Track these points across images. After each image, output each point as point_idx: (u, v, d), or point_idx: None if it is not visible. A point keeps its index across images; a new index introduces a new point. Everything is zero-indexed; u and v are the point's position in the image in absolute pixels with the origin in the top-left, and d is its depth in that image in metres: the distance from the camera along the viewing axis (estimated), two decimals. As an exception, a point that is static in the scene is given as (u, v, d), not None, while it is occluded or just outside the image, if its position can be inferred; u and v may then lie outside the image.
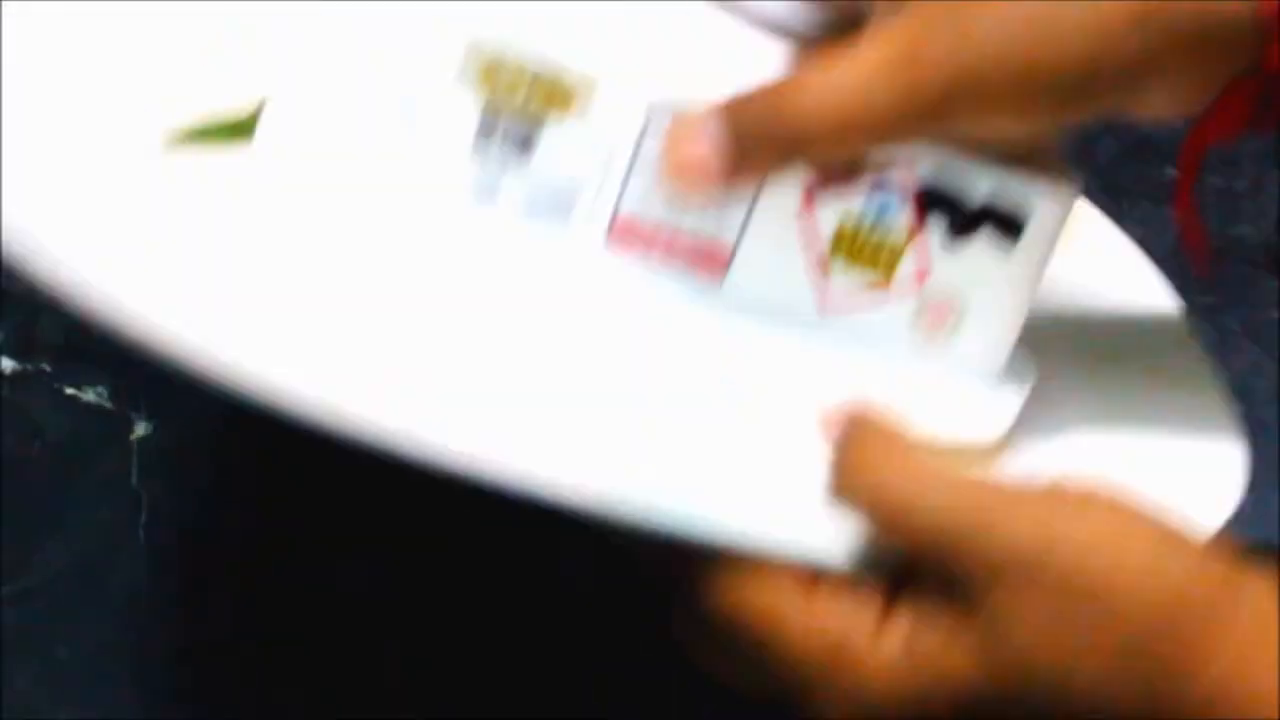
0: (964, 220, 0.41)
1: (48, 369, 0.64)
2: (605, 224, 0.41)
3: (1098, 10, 0.36)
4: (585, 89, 0.38)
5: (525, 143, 0.40)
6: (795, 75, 0.38)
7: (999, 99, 0.37)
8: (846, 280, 0.42)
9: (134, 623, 0.56)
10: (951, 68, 0.36)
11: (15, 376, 0.64)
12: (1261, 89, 0.37)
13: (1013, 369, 0.44)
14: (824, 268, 0.41)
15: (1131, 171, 0.70)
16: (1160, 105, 0.38)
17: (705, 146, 0.37)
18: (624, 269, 0.41)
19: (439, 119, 0.39)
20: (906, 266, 0.41)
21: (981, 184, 0.40)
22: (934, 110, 0.37)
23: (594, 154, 0.40)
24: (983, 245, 0.41)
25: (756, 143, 0.37)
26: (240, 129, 0.41)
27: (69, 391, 0.64)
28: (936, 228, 0.41)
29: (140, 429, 0.61)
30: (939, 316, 0.42)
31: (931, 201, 0.41)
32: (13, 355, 0.65)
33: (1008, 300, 0.42)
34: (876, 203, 0.40)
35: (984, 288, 0.42)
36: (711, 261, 0.41)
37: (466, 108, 0.39)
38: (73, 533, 0.58)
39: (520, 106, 0.39)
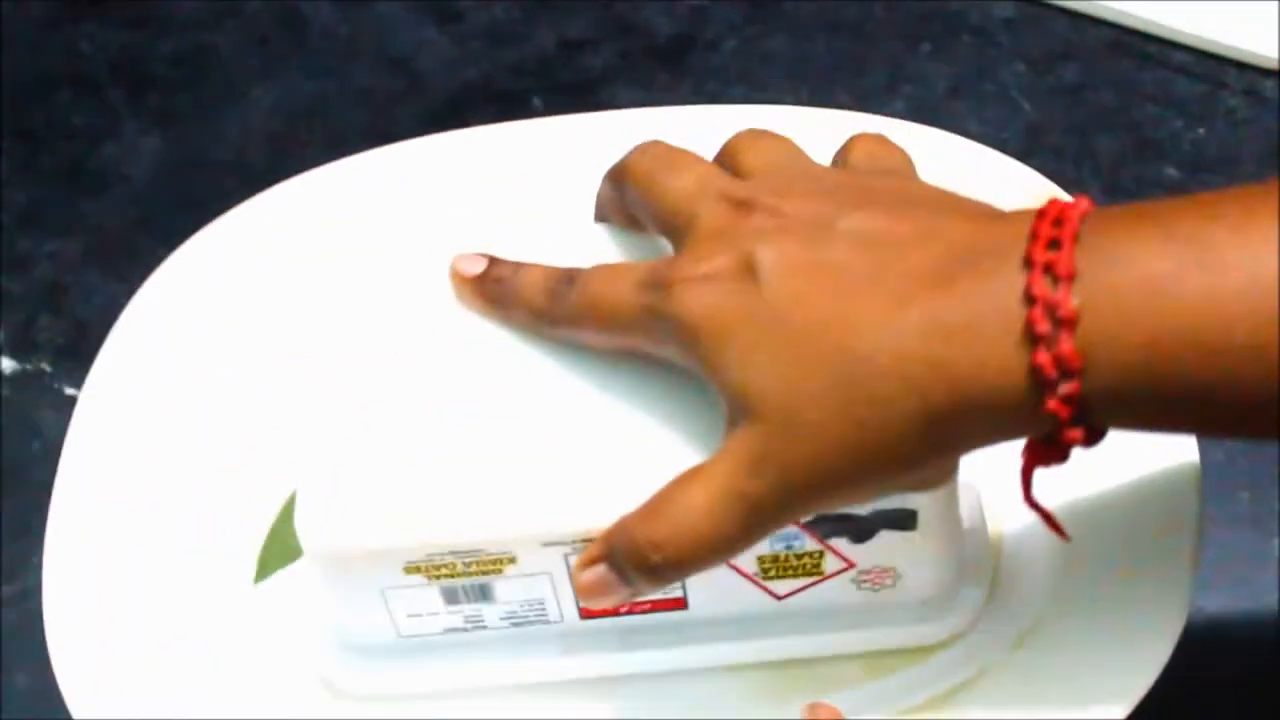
0: (860, 529, 0.46)
1: (48, 369, 0.65)
2: (575, 611, 0.48)
3: (893, 440, 0.40)
4: (506, 555, 0.46)
5: (485, 592, 0.47)
6: (658, 503, 0.42)
7: (829, 504, 0.42)
8: (787, 583, 0.47)
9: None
10: (781, 494, 0.41)
11: (15, 376, 0.64)
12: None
13: (968, 569, 0.49)
14: (762, 583, 0.47)
15: (1131, 171, 0.71)
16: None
17: (597, 574, 0.43)
18: (603, 632, 0.49)
19: (411, 603, 0.47)
20: (831, 563, 0.47)
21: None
22: (775, 522, 0.42)
23: (541, 582, 0.47)
24: (887, 535, 0.46)
25: (632, 570, 0.42)
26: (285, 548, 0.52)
27: (69, 391, 0.64)
28: (840, 540, 0.46)
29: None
30: (879, 578, 0.47)
31: (826, 527, 0.45)
32: (13, 355, 0.65)
33: (935, 551, 0.47)
34: (782, 541, 0.46)
35: (906, 555, 0.47)
36: (671, 604, 0.48)
37: (427, 589, 0.47)
38: (73, 533, 0.58)
39: (465, 576, 0.46)
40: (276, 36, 0.77)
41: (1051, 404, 0.38)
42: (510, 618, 0.48)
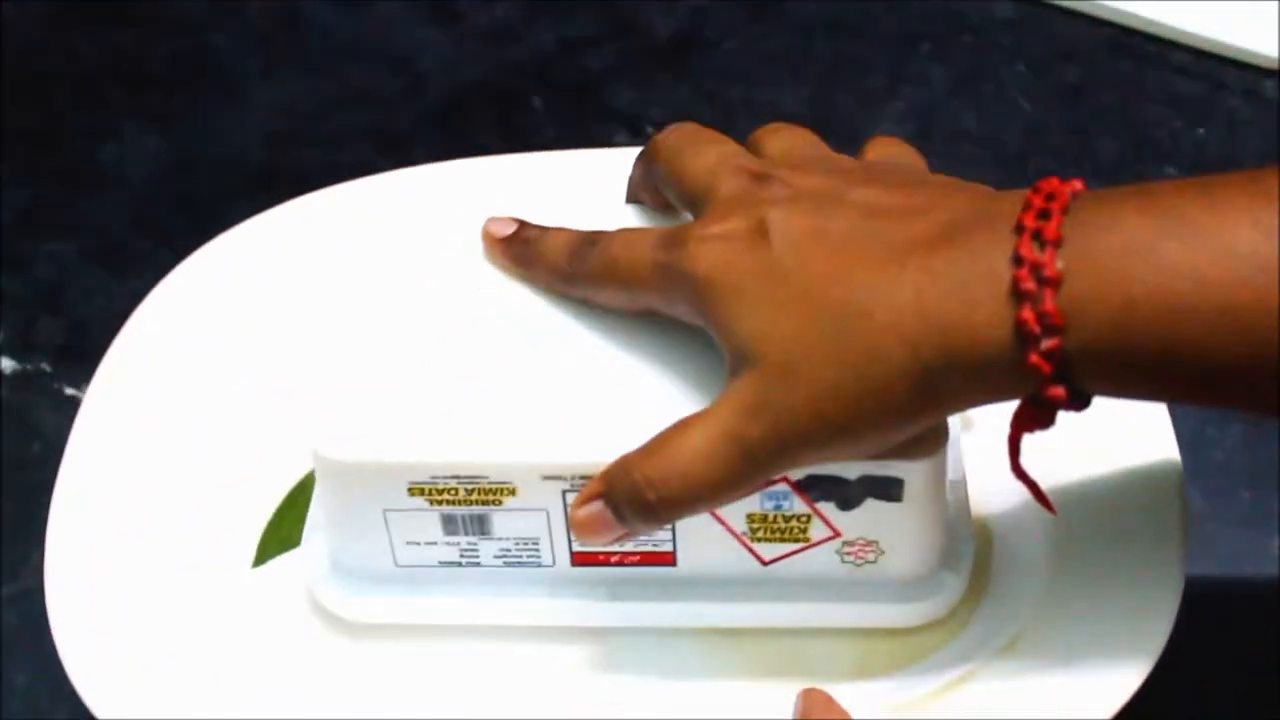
0: (848, 495, 0.47)
1: (48, 369, 0.65)
2: (567, 556, 0.49)
3: (885, 390, 0.41)
4: (506, 485, 0.47)
5: (483, 524, 0.49)
6: (657, 443, 0.44)
7: (821, 454, 0.44)
8: (773, 547, 0.49)
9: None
10: (775, 440, 0.43)
11: (15, 376, 0.64)
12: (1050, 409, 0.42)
13: (950, 555, 0.50)
14: (749, 545, 0.49)
15: (1131, 171, 0.71)
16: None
17: (593, 510, 0.45)
18: (592, 581, 0.50)
19: (411, 528, 0.49)
20: (817, 529, 0.48)
21: (852, 467, 0.46)
22: (768, 468, 0.44)
23: (537, 519, 0.48)
24: (873, 504, 0.47)
25: (627, 507, 0.44)
26: (287, 535, 0.53)
27: (69, 391, 0.64)
28: (827, 504, 0.47)
29: (140, 429, 0.62)
30: (862, 551, 0.49)
31: (815, 490, 0.47)
32: (13, 355, 0.65)
33: (919, 528, 0.48)
34: (771, 500, 0.47)
35: (891, 528, 0.48)
36: (660, 558, 0.49)
37: (427, 514, 0.48)
38: (73, 533, 0.58)
39: (465, 504, 0.48)
40: (276, 36, 0.77)
41: (1034, 358, 0.40)
42: (504, 556, 0.49)
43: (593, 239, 0.49)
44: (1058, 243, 0.40)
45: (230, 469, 0.56)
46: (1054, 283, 0.39)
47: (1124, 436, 0.53)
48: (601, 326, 0.49)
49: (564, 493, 0.47)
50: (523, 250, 0.50)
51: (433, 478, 0.47)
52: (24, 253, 0.69)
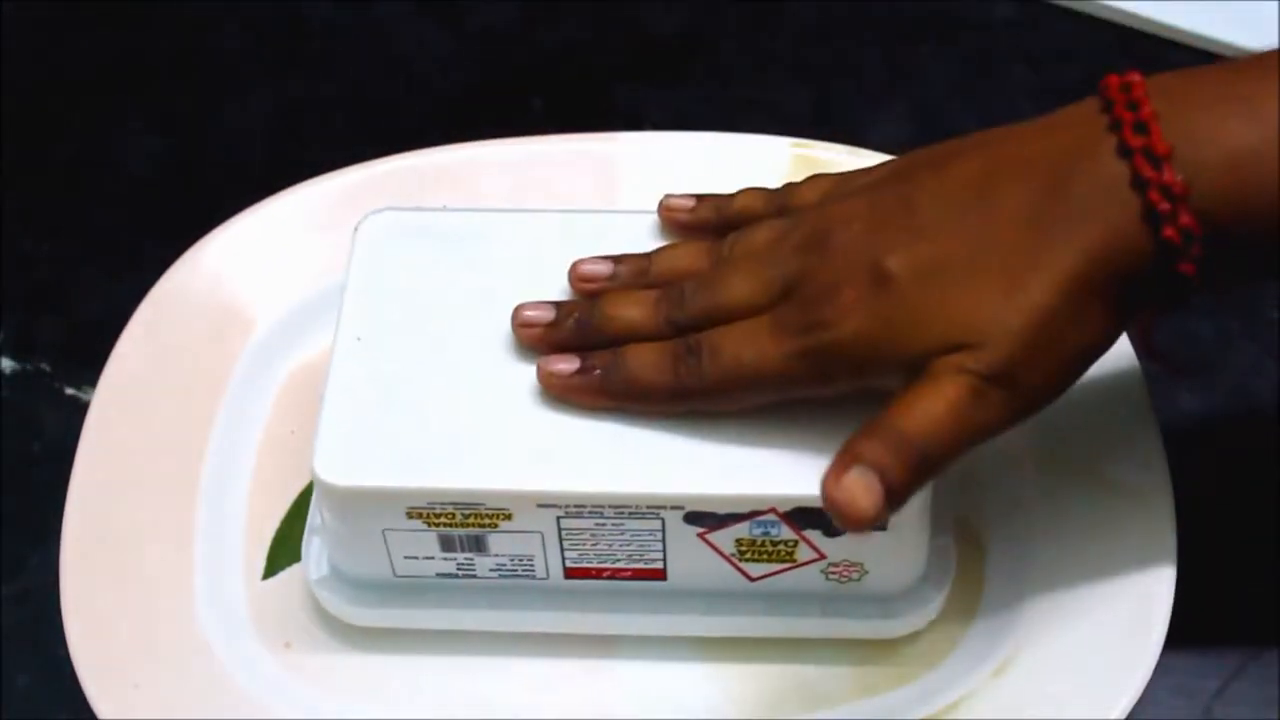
0: (834, 524, 0.47)
1: (48, 369, 0.65)
2: (561, 570, 0.50)
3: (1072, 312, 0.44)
4: (502, 510, 0.48)
5: (479, 543, 0.49)
6: (903, 406, 0.44)
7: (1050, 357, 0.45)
8: (760, 566, 0.50)
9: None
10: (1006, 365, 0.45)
11: (15, 376, 0.64)
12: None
13: (932, 573, 0.51)
14: (738, 565, 0.50)
15: (1132, 171, 0.71)
16: None
17: (852, 477, 0.44)
18: (585, 593, 0.51)
19: (409, 545, 0.50)
20: (804, 552, 0.49)
21: None
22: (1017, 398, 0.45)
23: (532, 539, 0.49)
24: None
25: (890, 463, 0.44)
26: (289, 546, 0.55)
27: (69, 391, 0.64)
28: (814, 531, 0.49)
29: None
30: (846, 571, 0.50)
31: (802, 519, 0.48)
32: (13, 355, 0.65)
33: (902, 550, 0.50)
34: (760, 528, 0.48)
35: (874, 552, 0.49)
36: (651, 574, 0.50)
37: (425, 534, 0.49)
38: (73, 533, 0.58)
39: (462, 526, 0.49)
40: (276, 36, 0.77)
41: (1168, 231, 0.43)
42: (499, 570, 0.50)
43: (693, 347, 0.48)
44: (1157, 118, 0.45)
45: (240, 470, 0.56)
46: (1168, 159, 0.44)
47: (1115, 448, 0.54)
48: None
49: (558, 519, 0.48)
50: (602, 382, 0.49)
51: (430, 503, 0.48)
52: (24, 253, 0.69)
